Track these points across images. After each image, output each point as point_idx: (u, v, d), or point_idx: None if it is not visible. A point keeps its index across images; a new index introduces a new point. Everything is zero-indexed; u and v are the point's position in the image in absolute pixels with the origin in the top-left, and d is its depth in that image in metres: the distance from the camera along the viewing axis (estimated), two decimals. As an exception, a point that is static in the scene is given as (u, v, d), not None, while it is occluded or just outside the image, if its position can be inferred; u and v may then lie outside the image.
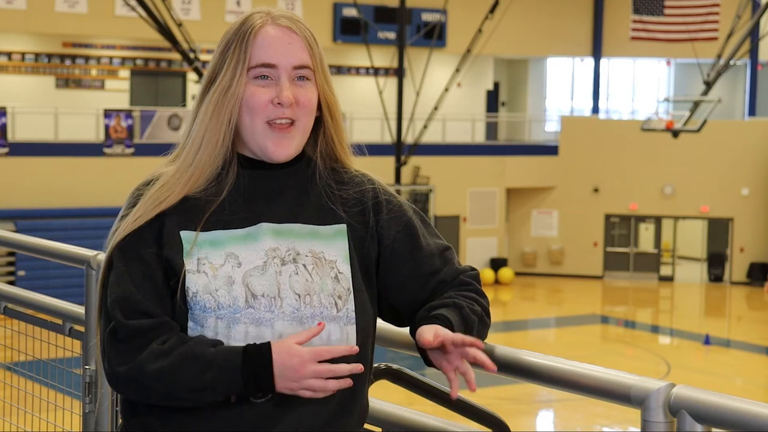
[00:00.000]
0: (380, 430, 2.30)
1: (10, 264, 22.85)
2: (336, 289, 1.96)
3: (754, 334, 24.17)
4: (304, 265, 1.95)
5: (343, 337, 1.95)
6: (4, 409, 3.68)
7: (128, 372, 1.86)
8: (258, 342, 1.89)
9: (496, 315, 25.33)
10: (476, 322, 2.00)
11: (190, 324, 1.90)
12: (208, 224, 1.95)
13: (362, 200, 2.07)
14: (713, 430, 1.72)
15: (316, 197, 2.03)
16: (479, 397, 2.21)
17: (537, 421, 17.15)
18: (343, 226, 2.02)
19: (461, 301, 2.00)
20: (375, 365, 2.44)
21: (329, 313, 1.94)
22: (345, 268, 1.98)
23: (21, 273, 22.32)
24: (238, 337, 1.89)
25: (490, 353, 2.04)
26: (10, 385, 3.71)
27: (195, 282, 1.90)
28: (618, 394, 1.82)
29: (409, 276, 2.04)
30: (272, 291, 1.92)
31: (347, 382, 1.87)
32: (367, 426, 2.31)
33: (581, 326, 24.39)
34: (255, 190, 2.00)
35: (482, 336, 2.02)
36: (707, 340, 22.11)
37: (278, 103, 1.97)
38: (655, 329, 25.56)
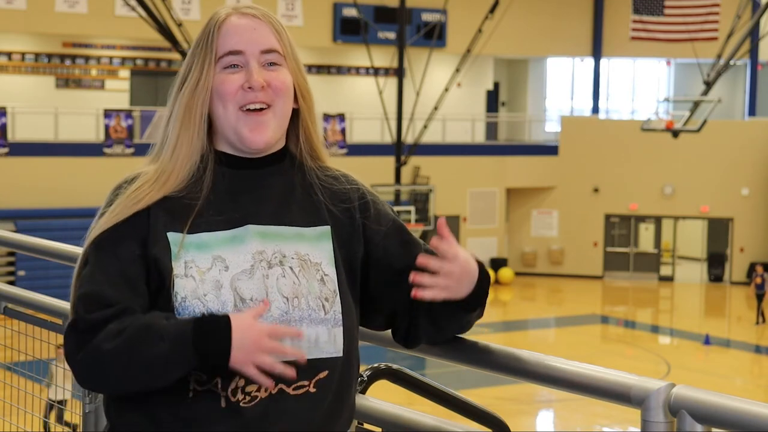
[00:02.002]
0: (380, 430, 2.30)
1: (10, 264, 22.86)
2: (323, 292, 1.95)
3: (754, 334, 24.18)
4: (291, 268, 1.94)
5: (331, 339, 1.94)
6: (4, 409, 3.68)
7: (85, 356, 1.81)
8: None
9: (496, 315, 25.35)
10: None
11: None
12: (194, 226, 1.93)
13: (349, 198, 2.06)
14: (713, 430, 1.72)
15: (301, 196, 2.02)
16: (479, 397, 2.21)
17: (537, 421, 17.15)
18: (327, 228, 2.01)
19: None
20: (375, 365, 2.44)
21: (317, 316, 1.93)
22: (330, 270, 1.98)
23: (21, 273, 22.33)
24: None
25: (489, 353, 2.03)
26: (10, 385, 3.71)
27: (183, 287, 1.88)
28: (618, 394, 1.82)
29: (404, 269, 2.03)
30: (260, 294, 1.90)
31: (292, 372, 1.82)
32: (366, 426, 2.31)
33: (581, 326, 24.40)
34: (238, 190, 1.99)
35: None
36: (707, 340, 22.12)
37: (249, 88, 1.95)
38: (655, 329, 25.57)
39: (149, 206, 1.93)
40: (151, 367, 1.80)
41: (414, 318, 2.04)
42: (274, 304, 1.91)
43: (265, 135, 1.97)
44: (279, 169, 2.02)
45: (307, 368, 1.91)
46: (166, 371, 1.81)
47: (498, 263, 29.90)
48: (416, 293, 1.91)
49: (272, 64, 1.98)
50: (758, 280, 25.25)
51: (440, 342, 2.10)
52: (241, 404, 1.88)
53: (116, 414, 1.96)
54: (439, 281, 1.91)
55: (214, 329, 1.79)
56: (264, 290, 1.91)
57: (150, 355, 1.79)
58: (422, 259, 1.91)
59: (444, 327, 2.03)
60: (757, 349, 22.81)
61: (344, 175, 2.09)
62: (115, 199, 1.96)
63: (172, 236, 1.92)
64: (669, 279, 31.30)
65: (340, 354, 1.95)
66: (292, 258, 1.95)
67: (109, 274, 1.88)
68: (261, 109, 1.96)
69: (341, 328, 1.95)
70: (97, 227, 1.93)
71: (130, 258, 1.90)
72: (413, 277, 1.90)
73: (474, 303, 1.98)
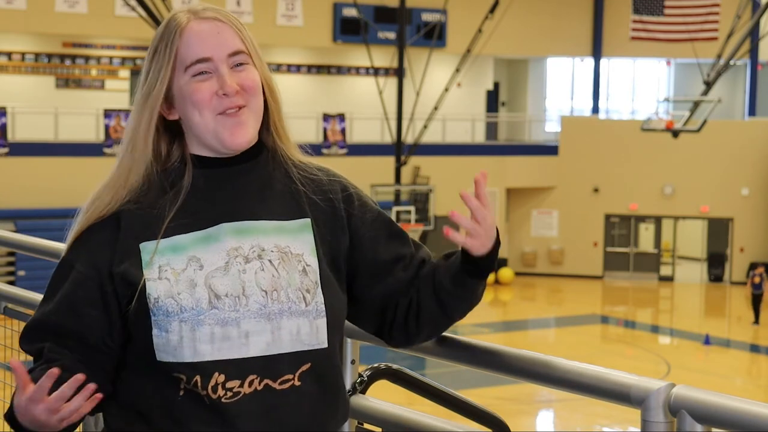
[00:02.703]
0: (380, 430, 2.30)
1: (10, 264, 22.86)
2: (304, 283, 1.94)
3: (754, 334, 24.18)
4: (270, 261, 1.94)
5: (313, 330, 1.93)
6: (4, 409, 3.68)
7: None
8: (226, 343, 1.89)
9: (496, 315, 25.36)
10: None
11: (154, 331, 1.88)
12: (169, 230, 1.94)
13: (331, 190, 2.05)
14: (713, 430, 1.72)
15: (280, 189, 2.02)
16: (479, 397, 2.21)
17: (537, 421, 17.15)
18: (308, 220, 2.00)
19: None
20: (375, 365, 2.43)
21: (297, 308, 1.92)
22: (312, 261, 1.97)
23: (21, 273, 22.33)
24: (203, 339, 1.87)
25: (489, 353, 2.03)
26: (10, 385, 3.70)
27: (156, 288, 1.89)
28: (618, 394, 1.82)
29: (394, 259, 2.04)
30: (236, 290, 1.90)
31: (93, 400, 1.80)
32: (367, 426, 2.31)
33: (581, 326, 24.40)
34: (215, 190, 1.99)
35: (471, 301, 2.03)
36: (707, 340, 22.11)
37: (223, 94, 1.95)
38: (655, 329, 25.57)
39: (119, 219, 1.95)
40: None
41: (416, 302, 2.02)
42: (252, 298, 1.91)
43: (246, 134, 1.97)
44: (255, 165, 2.02)
45: (291, 361, 1.91)
46: None
47: (498, 263, 29.84)
48: (449, 232, 1.91)
49: (239, 64, 1.98)
50: (756, 279, 25.24)
51: (439, 332, 2.07)
52: (222, 401, 1.87)
53: (112, 412, 1.98)
54: (475, 226, 1.91)
55: (15, 423, 1.88)
56: (240, 285, 1.91)
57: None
58: (465, 193, 1.91)
59: (451, 304, 2.00)
60: (757, 349, 22.81)
61: (323, 169, 2.09)
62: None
63: (144, 246, 1.93)
64: (669, 279, 31.30)
65: (325, 345, 1.94)
66: (272, 251, 1.95)
67: (58, 299, 1.95)
68: (237, 112, 1.97)
69: (324, 319, 1.94)
70: (66, 244, 1.99)
71: (83, 281, 1.94)
72: (452, 214, 1.90)
73: (488, 265, 1.96)
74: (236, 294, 1.90)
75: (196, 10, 2.00)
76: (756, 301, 25.01)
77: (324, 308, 1.95)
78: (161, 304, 1.88)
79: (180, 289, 1.89)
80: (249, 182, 2.00)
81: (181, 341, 1.88)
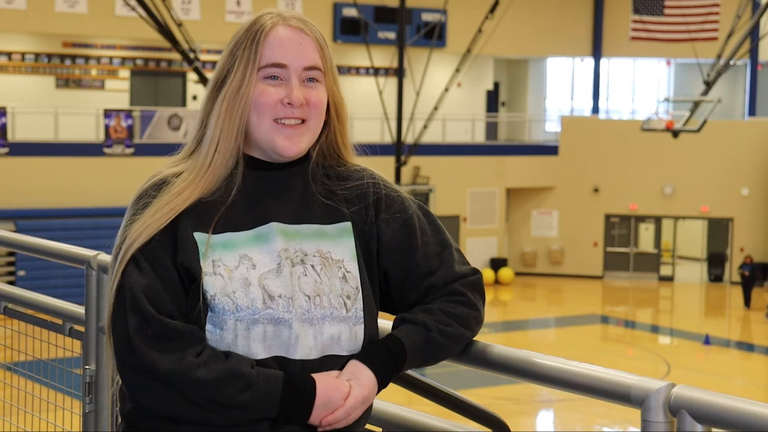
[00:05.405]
0: (380, 430, 2.30)
1: (10, 264, 22.86)
2: (344, 289, 1.97)
3: (754, 334, 24.17)
4: (313, 266, 1.96)
5: (352, 336, 1.95)
6: (4, 409, 3.68)
7: (169, 374, 1.83)
8: (276, 341, 1.90)
9: (496, 315, 25.35)
10: (443, 345, 1.99)
11: (208, 327, 1.89)
12: (219, 226, 1.95)
13: (364, 195, 2.07)
14: (713, 430, 1.72)
15: (321, 195, 2.04)
16: (479, 397, 2.21)
17: (537, 421, 17.15)
18: (349, 224, 2.02)
19: (432, 321, 1.99)
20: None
21: (339, 314, 1.95)
22: (353, 267, 1.99)
23: (21, 273, 22.33)
24: (257, 337, 1.89)
25: (490, 353, 2.03)
26: (10, 385, 3.71)
27: (212, 285, 1.90)
28: (618, 394, 1.81)
29: (404, 275, 2.04)
30: (288, 292, 1.92)
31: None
32: (367, 426, 2.31)
33: (581, 326, 24.40)
34: (261, 191, 2.00)
35: (450, 353, 2.03)
36: (707, 340, 22.12)
37: (288, 103, 1.97)
38: (655, 329, 25.56)
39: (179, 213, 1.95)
40: (227, 408, 1.84)
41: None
42: (296, 302, 1.93)
43: (298, 146, 2.00)
44: (300, 170, 2.04)
45: (328, 365, 1.93)
46: (237, 416, 1.85)
47: (498, 263, 29.89)
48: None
49: (312, 79, 2.00)
50: (747, 260, 25.62)
51: None
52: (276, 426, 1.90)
53: (134, 407, 1.95)
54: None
55: (302, 395, 1.86)
56: (291, 287, 1.93)
57: (233, 400, 1.84)
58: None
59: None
60: (757, 349, 22.81)
61: (362, 170, 2.12)
62: (143, 208, 1.95)
63: (198, 236, 1.94)
64: (669, 279, 31.30)
65: (359, 350, 1.97)
66: (314, 256, 1.97)
67: (160, 279, 1.90)
68: (296, 124, 1.99)
69: (362, 325, 1.97)
70: (139, 235, 1.92)
71: (172, 265, 1.92)
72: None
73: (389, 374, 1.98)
74: (289, 296, 1.93)
75: (285, 16, 2.02)
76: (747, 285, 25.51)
77: (363, 315, 1.97)
78: (217, 301, 1.90)
79: (235, 287, 1.91)
80: (293, 186, 2.03)
81: (236, 340, 1.90)
